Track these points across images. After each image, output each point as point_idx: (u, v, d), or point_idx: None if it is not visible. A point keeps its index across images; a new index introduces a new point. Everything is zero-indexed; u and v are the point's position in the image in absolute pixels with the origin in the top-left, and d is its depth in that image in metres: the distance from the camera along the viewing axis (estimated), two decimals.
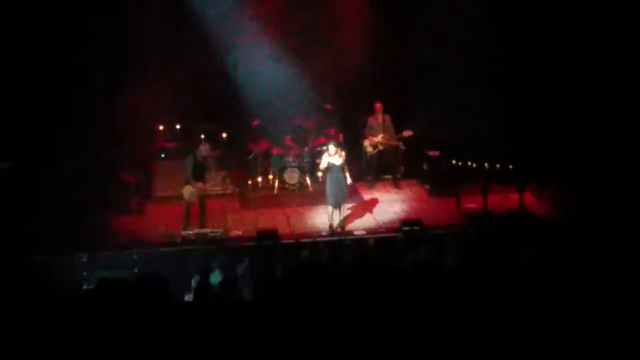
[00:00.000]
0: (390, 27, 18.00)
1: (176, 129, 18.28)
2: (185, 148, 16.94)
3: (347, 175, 15.32)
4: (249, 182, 17.68)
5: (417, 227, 14.71)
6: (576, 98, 16.37)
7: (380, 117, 17.49)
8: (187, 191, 15.29)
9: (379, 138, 17.49)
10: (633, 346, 8.33)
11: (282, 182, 17.50)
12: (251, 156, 17.85)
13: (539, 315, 8.78)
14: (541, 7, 16.73)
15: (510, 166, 15.73)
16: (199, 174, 15.38)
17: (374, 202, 16.94)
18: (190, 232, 15.01)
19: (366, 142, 17.69)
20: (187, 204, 15.33)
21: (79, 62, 15.77)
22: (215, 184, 16.71)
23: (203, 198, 15.52)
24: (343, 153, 15.31)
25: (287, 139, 17.90)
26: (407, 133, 17.33)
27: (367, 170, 18.04)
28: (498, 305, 8.91)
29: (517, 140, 16.20)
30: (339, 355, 8.45)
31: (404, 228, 14.76)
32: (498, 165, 15.77)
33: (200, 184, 15.33)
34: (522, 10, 16.91)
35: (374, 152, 17.64)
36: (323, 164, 15.39)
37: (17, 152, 15.12)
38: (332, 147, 15.27)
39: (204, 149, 15.49)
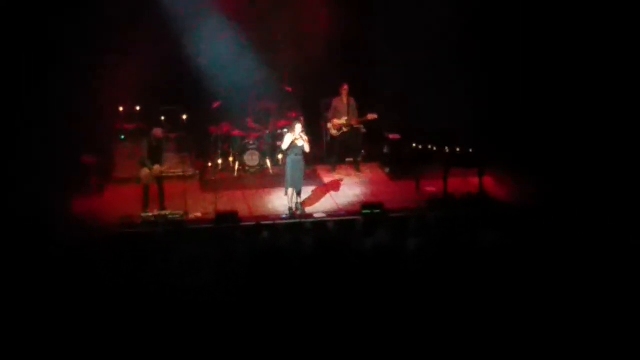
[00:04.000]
0: (353, 8, 17.95)
1: (136, 110, 18.11)
2: (145, 129, 16.80)
3: (307, 145, 15.20)
4: (209, 164, 17.58)
5: (378, 210, 14.72)
6: (536, 83, 16.47)
7: (345, 99, 17.44)
8: (143, 174, 15.23)
9: (343, 120, 17.44)
10: (587, 323, 8.49)
11: (242, 164, 17.42)
12: (212, 138, 17.75)
13: (499, 297, 8.88)
14: None
15: (471, 150, 15.78)
16: (153, 157, 15.31)
17: (334, 185, 16.92)
18: (150, 214, 14.93)
19: (330, 125, 17.65)
20: (144, 186, 15.26)
21: (39, 43, 15.51)
22: (173, 165, 16.58)
23: (160, 181, 15.41)
24: (304, 136, 15.22)
25: (249, 121, 17.80)
26: (371, 116, 17.32)
27: (329, 153, 18.01)
28: (459, 286, 9.00)
29: (477, 124, 16.26)
30: (301, 335, 8.48)
31: (365, 211, 14.77)
32: (458, 149, 15.82)
33: (156, 167, 15.24)
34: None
35: (338, 134, 17.60)
36: (285, 144, 15.26)
37: None
38: (298, 127, 15.17)
39: (156, 132, 15.43)
